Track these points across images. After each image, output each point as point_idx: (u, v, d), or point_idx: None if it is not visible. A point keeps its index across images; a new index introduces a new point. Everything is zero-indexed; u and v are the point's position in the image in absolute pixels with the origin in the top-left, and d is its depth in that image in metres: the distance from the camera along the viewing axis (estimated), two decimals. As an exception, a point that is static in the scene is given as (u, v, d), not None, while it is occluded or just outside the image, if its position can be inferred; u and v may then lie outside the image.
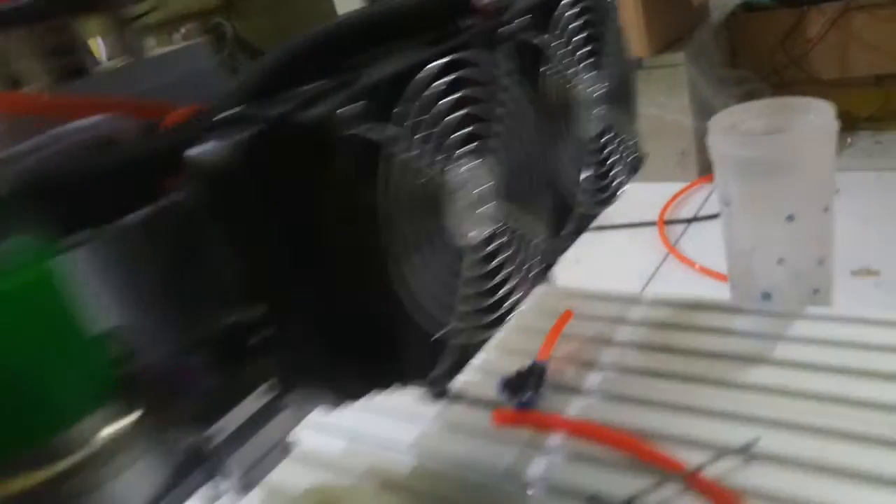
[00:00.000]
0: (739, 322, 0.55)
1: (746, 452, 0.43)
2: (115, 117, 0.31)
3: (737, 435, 0.45)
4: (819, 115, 0.54)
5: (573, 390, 0.53)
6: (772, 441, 0.43)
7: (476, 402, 0.54)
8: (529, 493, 0.45)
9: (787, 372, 0.49)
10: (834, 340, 0.51)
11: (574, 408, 0.51)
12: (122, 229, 0.26)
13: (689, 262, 0.98)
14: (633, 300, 0.62)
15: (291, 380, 0.29)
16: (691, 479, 0.42)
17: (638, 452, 0.46)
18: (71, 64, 0.35)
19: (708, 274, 0.95)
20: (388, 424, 0.53)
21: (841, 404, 0.45)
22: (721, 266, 0.93)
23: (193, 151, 0.25)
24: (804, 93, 1.25)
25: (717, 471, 0.43)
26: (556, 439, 0.49)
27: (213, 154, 0.24)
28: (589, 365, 0.55)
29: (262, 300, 0.28)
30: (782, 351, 0.51)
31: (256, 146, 0.24)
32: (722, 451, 0.44)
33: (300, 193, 0.25)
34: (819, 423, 0.44)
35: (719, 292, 0.99)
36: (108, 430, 0.23)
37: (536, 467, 0.47)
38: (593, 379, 0.54)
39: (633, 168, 0.46)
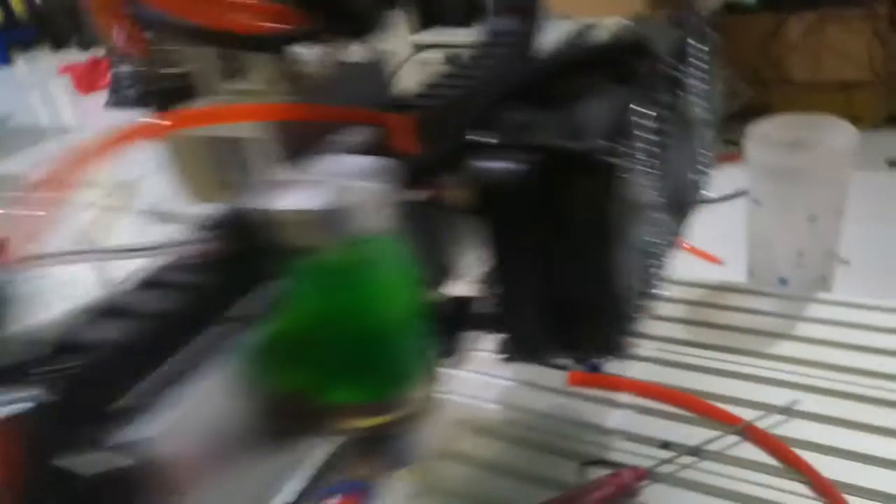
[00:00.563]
0: (763, 302, 0.66)
1: (789, 411, 0.54)
2: (361, 125, 0.37)
3: (776, 396, 0.55)
4: (842, 134, 0.65)
5: (631, 357, 0.62)
6: (807, 402, 0.54)
7: (547, 363, 0.63)
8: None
9: (808, 346, 0.60)
10: (843, 321, 0.62)
11: (634, 372, 0.61)
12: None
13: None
14: (670, 281, 0.71)
15: (507, 349, 0.37)
16: (747, 431, 0.53)
17: (698, 408, 0.56)
18: (298, 71, 0.40)
19: (695, 254, 1.07)
20: (473, 381, 0.61)
21: (856, 373, 0.56)
22: (703, 247, 1.05)
23: (486, 165, 0.31)
24: (779, 92, 1.37)
25: (765, 425, 0.53)
26: (624, 397, 0.58)
27: (505, 171, 0.31)
28: (640, 335, 0.65)
29: (497, 284, 0.35)
30: (802, 328, 0.62)
31: (538, 167, 0.31)
32: (769, 409, 0.54)
33: (557, 203, 0.32)
34: (841, 388, 0.55)
35: (708, 268, 1.11)
36: (424, 388, 0.30)
37: (611, 419, 0.57)
38: (646, 347, 0.63)
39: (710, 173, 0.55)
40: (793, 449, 0.50)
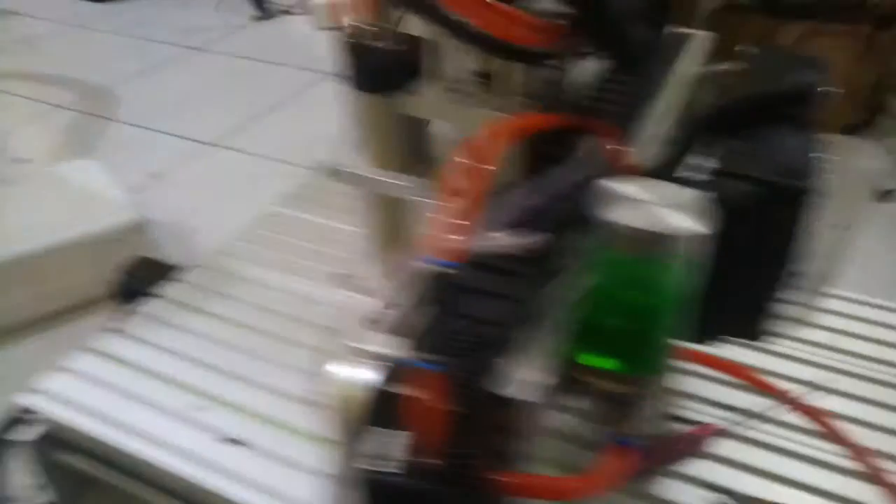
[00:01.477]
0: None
1: (824, 388, 0.66)
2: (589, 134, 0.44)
3: (810, 374, 0.68)
4: (869, 157, 0.76)
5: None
6: (838, 381, 0.67)
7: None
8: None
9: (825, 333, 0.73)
10: (850, 314, 0.76)
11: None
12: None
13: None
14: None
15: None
16: (794, 403, 0.65)
17: (750, 379, 0.67)
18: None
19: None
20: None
21: (866, 359, 0.70)
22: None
23: (717, 185, 0.39)
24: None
25: (806, 397, 0.65)
26: (687, 365, 0.69)
27: (733, 193, 0.39)
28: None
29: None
30: (821, 318, 0.75)
31: (754, 193, 0.40)
32: (806, 385, 0.66)
33: (761, 221, 0.41)
34: (859, 371, 0.68)
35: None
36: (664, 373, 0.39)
37: (680, 383, 0.67)
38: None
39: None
40: (831, 419, 0.63)
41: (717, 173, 0.42)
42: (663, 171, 0.42)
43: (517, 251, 0.36)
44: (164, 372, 0.68)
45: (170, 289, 0.79)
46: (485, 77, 0.48)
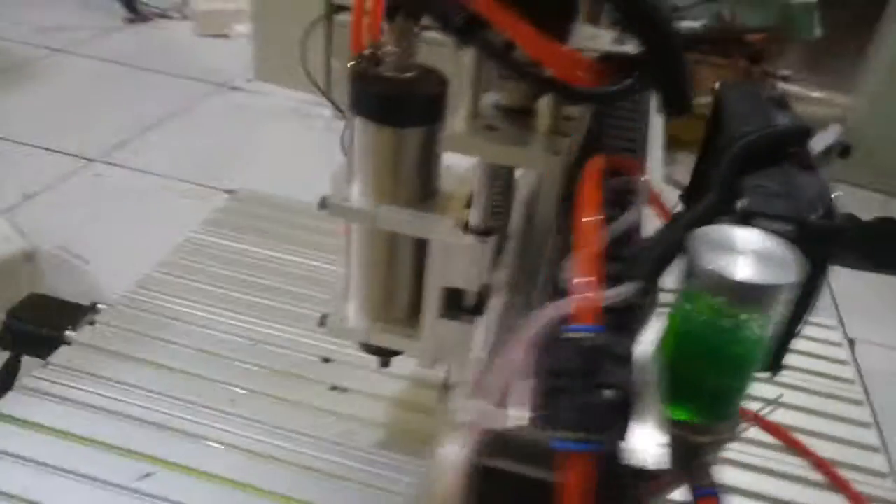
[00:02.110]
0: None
1: (776, 402, 0.69)
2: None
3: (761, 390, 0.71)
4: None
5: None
6: (786, 396, 0.70)
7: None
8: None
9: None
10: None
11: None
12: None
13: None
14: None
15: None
16: (755, 418, 0.67)
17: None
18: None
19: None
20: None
21: (809, 373, 0.74)
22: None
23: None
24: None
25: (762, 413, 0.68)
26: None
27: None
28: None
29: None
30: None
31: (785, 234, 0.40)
32: (762, 401, 0.69)
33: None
34: (806, 386, 0.73)
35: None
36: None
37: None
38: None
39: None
40: (790, 433, 0.66)
41: (748, 214, 0.42)
42: (713, 215, 0.42)
43: (618, 303, 0.34)
44: (94, 434, 0.58)
45: (83, 333, 0.68)
46: (519, 112, 0.45)
